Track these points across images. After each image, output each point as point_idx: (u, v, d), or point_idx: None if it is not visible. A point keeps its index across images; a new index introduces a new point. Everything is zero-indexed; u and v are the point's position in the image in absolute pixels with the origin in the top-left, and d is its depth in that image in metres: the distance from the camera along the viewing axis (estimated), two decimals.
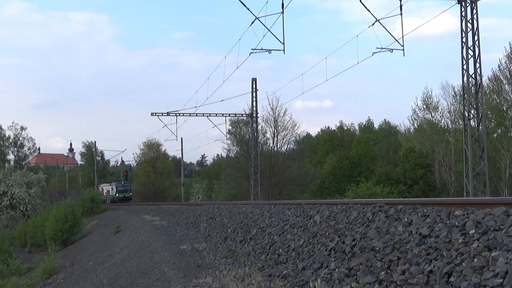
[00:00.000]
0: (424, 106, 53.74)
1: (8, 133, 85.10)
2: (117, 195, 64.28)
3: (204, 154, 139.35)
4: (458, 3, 23.64)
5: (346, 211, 10.03)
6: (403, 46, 23.67)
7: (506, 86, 42.20)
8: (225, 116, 41.93)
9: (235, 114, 45.69)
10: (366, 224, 8.48)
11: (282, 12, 22.19)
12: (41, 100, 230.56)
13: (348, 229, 8.66)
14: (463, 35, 23.68)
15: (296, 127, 52.91)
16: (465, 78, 24.03)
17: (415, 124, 56.25)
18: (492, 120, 43.06)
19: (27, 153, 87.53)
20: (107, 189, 67.50)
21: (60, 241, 29.71)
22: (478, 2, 23.55)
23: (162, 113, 41.24)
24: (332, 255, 7.93)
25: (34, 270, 22.59)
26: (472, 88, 24.31)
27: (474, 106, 24.48)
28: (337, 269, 7.06)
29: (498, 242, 5.38)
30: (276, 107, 50.86)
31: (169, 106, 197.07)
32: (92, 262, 18.01)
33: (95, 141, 78.33)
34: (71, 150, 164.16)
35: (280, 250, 9.94)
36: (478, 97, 24.52)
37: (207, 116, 41.02)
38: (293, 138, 55.03)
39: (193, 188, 67.02)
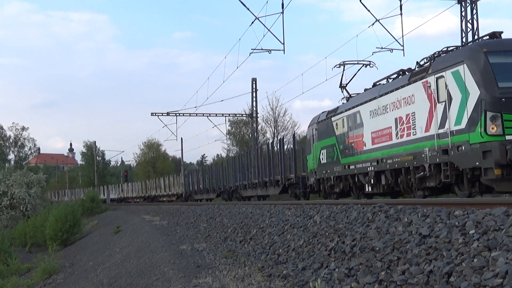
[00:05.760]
0: None
1: (8, 133, 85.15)
2: None
3: (204, 154, 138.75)
4: (458, 3, 23.62)
5: (346, 211, 10.04)
6: (403, 46, 23.61)
7: None
8: (225, 116, 41.94)
9: (235, 114, 45.76)
10: (366, 224, 8.48)
11: (282, 12, 22.19)
12: (41, 100, 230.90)
13: (348, 229, 8.66)
14: (463, 35, 23.68)
15: (296, 127, 52.89)
16: None
17: None
18: None
19: (28, 153, 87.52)
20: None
21: (60, 241, 29.67)
22: (478, 2, 23.56)
23: (162, 113, 41.31)
24: (332, 255, 7.92)
25: (34, 270, 22.55)
26: None
27: None
28: (337, 269, 7.06)
29: (498, 242, 5.38)
30: (276, 107, 50.85)
31: (169, 106, 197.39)
32: (92, 262, 18.00)
33: (95, 141, 78.38)
34: (71, 150, 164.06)
35: (280, 250, 9.94)
36: None
37: (207, 116, 41.07)
38: None
39: None
